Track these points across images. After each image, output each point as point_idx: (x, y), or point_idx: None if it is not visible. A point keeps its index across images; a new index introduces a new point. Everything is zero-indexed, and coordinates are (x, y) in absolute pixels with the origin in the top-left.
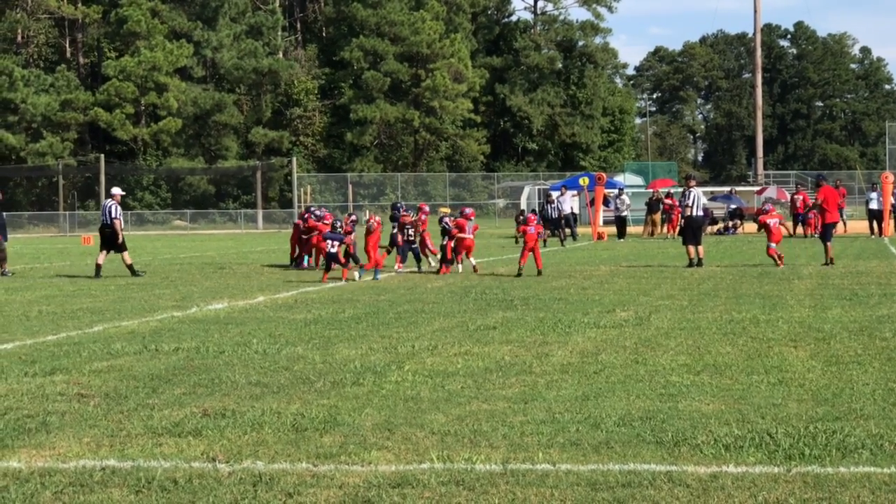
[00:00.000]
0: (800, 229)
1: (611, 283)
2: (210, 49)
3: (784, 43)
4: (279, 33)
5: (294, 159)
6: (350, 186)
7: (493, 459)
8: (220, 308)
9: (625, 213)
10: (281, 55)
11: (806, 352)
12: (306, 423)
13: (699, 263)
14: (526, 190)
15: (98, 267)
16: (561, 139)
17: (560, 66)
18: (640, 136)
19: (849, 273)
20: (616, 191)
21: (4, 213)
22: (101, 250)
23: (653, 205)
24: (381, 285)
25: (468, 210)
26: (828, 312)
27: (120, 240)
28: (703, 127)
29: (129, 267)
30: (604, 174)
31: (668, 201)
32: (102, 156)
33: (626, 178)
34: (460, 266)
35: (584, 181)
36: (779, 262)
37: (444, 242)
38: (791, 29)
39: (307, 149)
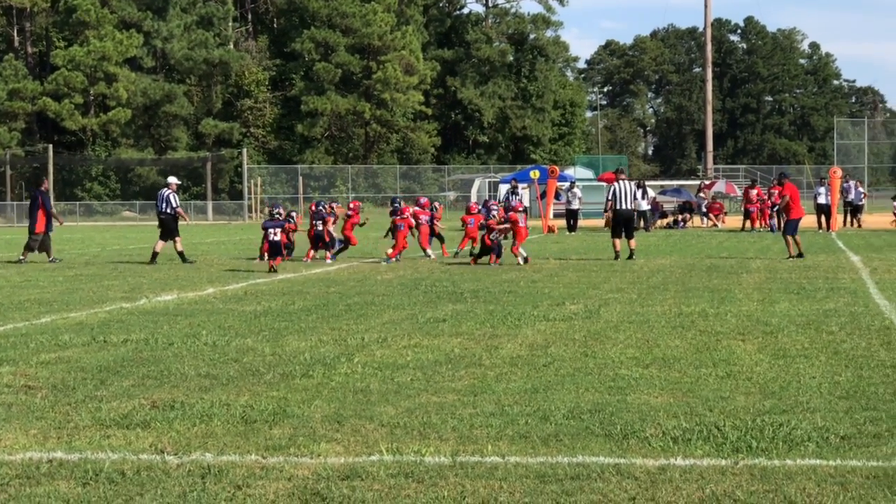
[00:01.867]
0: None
1: (560, 277)
2: (160, 39)
3: (734, 38)
4: (230, 24)
5: (244, 151)
6: (301, 178)
7: (443, 452)
8: (169, 300)
9: (576, 207)
10: (232, 46)
11: (754, 345)
12: (255, 415)
13: (630, 256)
14: (476, 182)
15: (180, 254)
16: (512, 132)
17: (511, 59)
18: (591, 130)
19: (796, 267)
20: (567, 184)
21: None
22: (167, 238)
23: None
24: (331, 277)
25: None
26: (775, 306)
27: (172, 226)
28: (653, 121)
29: (180, 254)
30: (556, 167)
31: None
32: (51, 146)
33: (577, 172)
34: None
35: (534, 174)
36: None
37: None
38: (741, 24)
39: (258, 140)
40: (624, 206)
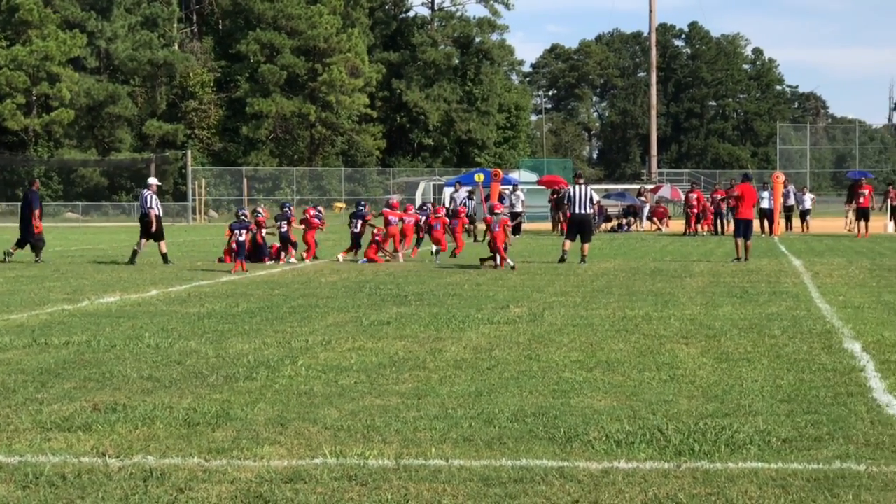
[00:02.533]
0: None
1: (504, 280)
2: (104, 40)
3: (679, 43)
4: (175, 25)
5: (189, 152)
6: (245, 180)
7: (386, 455)
8: (111, 301)
9: (519, 210)
10: (176, 47)
11: (697, 349)
12: (198, 417)
13: (582, 260)
14: (421, 185)
15: (134, 253)
16: (457, 135)
17: (457, 62)
18: (536, 133)
19: (739, 271)
20: (511, 187)
21: None
22: (140, 237)
23: (559, 201)
24: (275, 280)
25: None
26: (719, 310)
27: (154, 228)
28: (598, 125)
29: (164, 255)
30: (500, 171)
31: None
32: None
33: (522, 175)
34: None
35: (479, 177)
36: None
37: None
38: (685, 29)
39: (202, 142)
40: (580, 210)
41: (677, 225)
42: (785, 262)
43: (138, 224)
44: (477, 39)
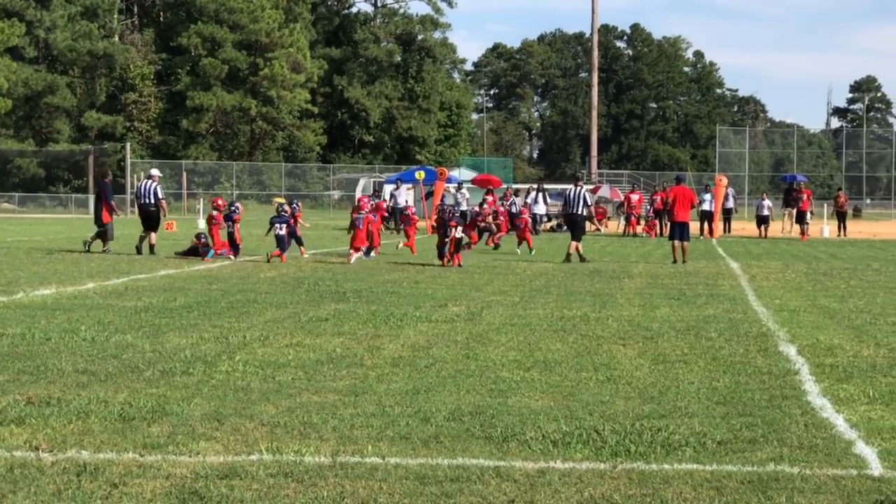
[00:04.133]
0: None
1: (443, 278)
2: (43, 29)
3: (620, 44)
4: (115, 16)
5: (128, 145)
6: (185, 174)
7: (323, 452)
8: (47, 294)
9: (464, 208)
10: (117, 38)
11: (634, 350)
12: (134, 412)
13: (568, 259)
14: (361, 182)
15: (151, 246)
16: (398, 132)
17: (399, 59)
18: (477, 132)
19: (677, 273)
20: (455, 185)
21: None
22: (146, 230)
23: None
24: (213, 274)
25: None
26: (656, 311)
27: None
28: (538, 124)
29: (152, 247)
30: (445, 169)
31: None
32: None
33: (462, 174)
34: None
35: (419, 175)
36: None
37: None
38: (627, 30)
39: (142, 135)
40: (574, 211)
41: (615, 225)
42: (722, 265)
43: (137, 215)
44: (419, 37)
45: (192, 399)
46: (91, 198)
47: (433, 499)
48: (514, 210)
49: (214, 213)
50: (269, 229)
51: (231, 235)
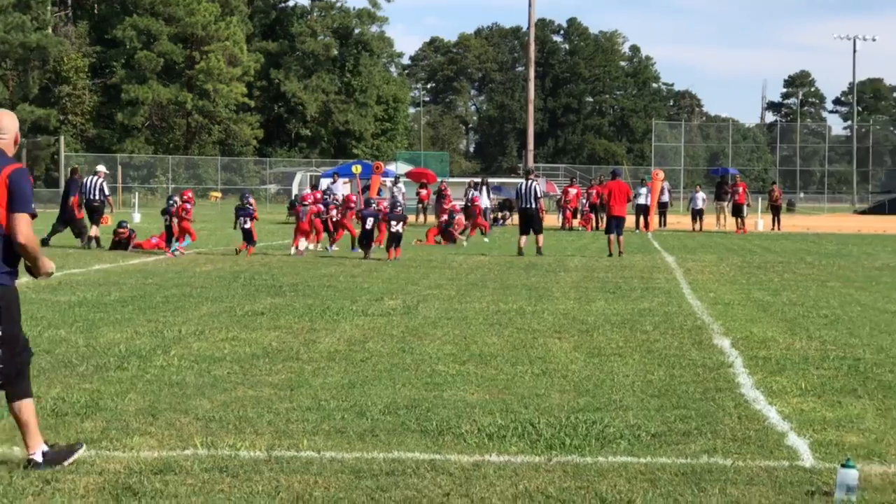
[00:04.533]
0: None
1: (380, 272)
2: None
3: (557, 38)
4: (48, 8)
5: (62, 138)
6: (119, 168)
7: (258, 446)
8: None
9: (400, 202)
10: (50, 31)
11: (570, 343)
12: (67, 407)
13: (538, 252)
14: (298, 176)
15: (97, 239)
16: (334, 126)
17: (336, 53)
18: (414, 126)
19: (613, 267)
20: (392, 179)
21: None
22: (94, 224)
23: (440, 194)
24: (149, 268)
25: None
26: (592, 305)
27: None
28: (475, 118)
29: (97, 239)
30: (381, 164)
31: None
32: None
33: (399, 168)
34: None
35: (356, 169)
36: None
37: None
38: (564, 25)
39: (76, 128)
40: (525, 205)
41: (551, 219)
42: (658, 259)
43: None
44: (356, 31)
45: (126, 394)
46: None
47: (369, 493)
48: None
49: (189, 206)
50: (236, 222)
51: (168, 227)
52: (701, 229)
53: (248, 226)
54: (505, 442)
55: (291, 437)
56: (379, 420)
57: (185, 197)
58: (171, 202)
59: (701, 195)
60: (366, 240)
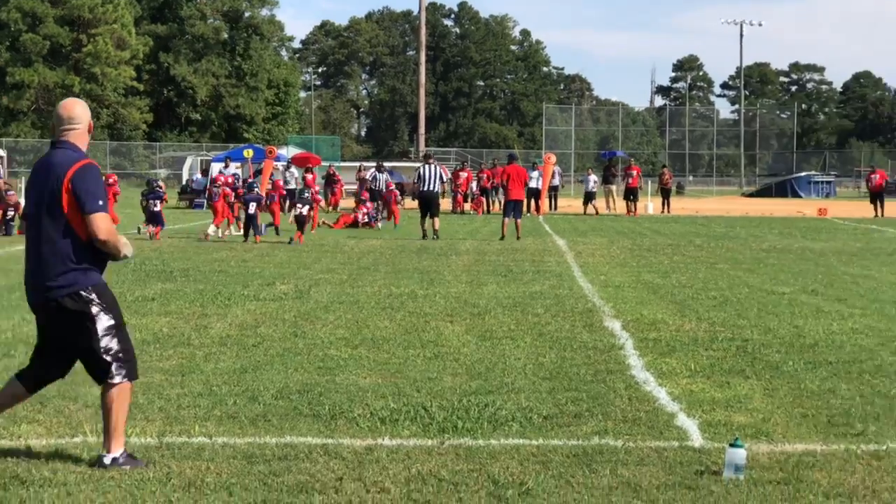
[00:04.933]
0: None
1: (272, 256)
2: None
3: (448, 22)
4: None
5: None
6: (5, 152)
7: (149, 432)
8: None
9: (293, 187)
10: None
11: (462, 327)
12: None
13: (435, 236)
14: (188, 160)
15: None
16: (225, 110)
17: (226, 36)
18: (305, 110)
19: (504, 250)
20: (283, 164)
21: None
22: None
23: (328, 178)
24: None
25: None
26: (483, 288)
27: None
28: (367, 102)
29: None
30: (274, 148)
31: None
32: None
33: (290, 152)
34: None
35: (248, 153)
36: None
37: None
38: (455, 9)
39: None
40: (428, 188)
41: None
42: (549, 242)
43: None
44: (246, 14)
45: None
46: None
47: (261, 478)
48: (378, 187)
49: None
50: (146, 204)
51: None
52: (597, 213)
53: (157, 208)
54: (398, 426)
55: (183, 423)
56: (271, 405)
57: (111, 181)
58: (157, 185)
59: (592, 178)
60: (248, 225)
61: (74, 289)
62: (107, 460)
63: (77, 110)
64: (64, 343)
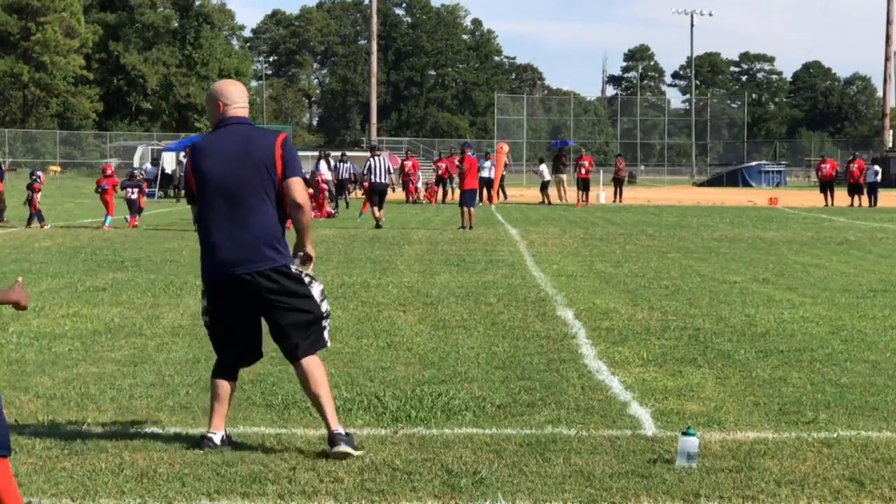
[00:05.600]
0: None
1: None
2: None
3: (399, 11)
4: None
5: None
6: None
7: (101, 422)
8: None
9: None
10: None
11: (414, 316)
12: None
13: (378, 225)
14: (139, 150)
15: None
16: (176, 99)
17: (176, 25)
18: (256, 100)
19: (457, 240)
20: None
21: None
22: None
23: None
24: None
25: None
26: (436, 278)
27: None
28: (318, 92)
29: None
30: None
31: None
32: None
33: None
34: None
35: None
36: None
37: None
38: None
39: None
40: (378, 179)
41: (397, 194)
42: (501, 231)
43: None
44: (197, 3)
45: None
46: None
47: (214, 468)
48: (346, 175)
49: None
50: (123, 192)
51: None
52: (550, 202)
53: (134, 196)
54: (351, 415)
55: (135, 414)
56: None
57: (109, 172)
58: (36, 177)
59: (543, 167)
60: (130, 209)
61: (285, 262)
62: (341, 430)
63: (237, 90)
64: (257, 319)
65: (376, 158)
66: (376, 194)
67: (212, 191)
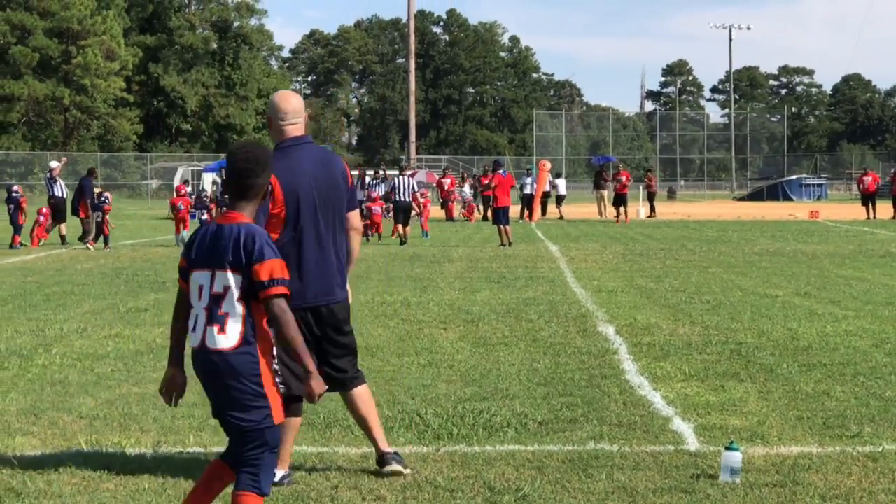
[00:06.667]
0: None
1: None
2: None
3: (437, 29)
4: None
5: None
6: None
7: (144, 443)
8: None
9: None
10: None
11: (455, 333)
12: None
13: (403, 242)
14: (180, 171)
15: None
16: (215, 120)
17: (215, 46)
18: None
19: (497, 257)
20: None
21: None
22: (59, 222)
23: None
24: (29, 266)
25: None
26: (477, 295)
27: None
28: (357, 111)
29: (63, 237)
30: None
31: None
32: None
33: None
34: None
35: None
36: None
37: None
38: (444, 16)
39: None
40: (402, 198)
41: (437, 211)
42: (542, 248)
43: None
44: (235, 24)
45: (7, 394)
46: None
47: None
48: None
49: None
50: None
51: (99, 225)
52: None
53: (205, 217)
54: (393, 433)
55: (177, 434)
56: None
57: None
58: (104, 199)
59: (560, 181)
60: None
61: (347, 296)
62: (390, 450)
63: (295, 103)
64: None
65: (402, 178)
66: (400, 212)
67: (307, 213)
